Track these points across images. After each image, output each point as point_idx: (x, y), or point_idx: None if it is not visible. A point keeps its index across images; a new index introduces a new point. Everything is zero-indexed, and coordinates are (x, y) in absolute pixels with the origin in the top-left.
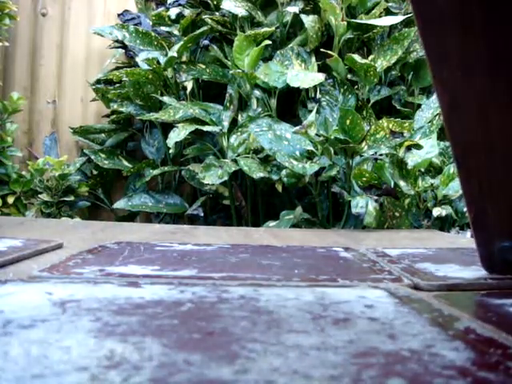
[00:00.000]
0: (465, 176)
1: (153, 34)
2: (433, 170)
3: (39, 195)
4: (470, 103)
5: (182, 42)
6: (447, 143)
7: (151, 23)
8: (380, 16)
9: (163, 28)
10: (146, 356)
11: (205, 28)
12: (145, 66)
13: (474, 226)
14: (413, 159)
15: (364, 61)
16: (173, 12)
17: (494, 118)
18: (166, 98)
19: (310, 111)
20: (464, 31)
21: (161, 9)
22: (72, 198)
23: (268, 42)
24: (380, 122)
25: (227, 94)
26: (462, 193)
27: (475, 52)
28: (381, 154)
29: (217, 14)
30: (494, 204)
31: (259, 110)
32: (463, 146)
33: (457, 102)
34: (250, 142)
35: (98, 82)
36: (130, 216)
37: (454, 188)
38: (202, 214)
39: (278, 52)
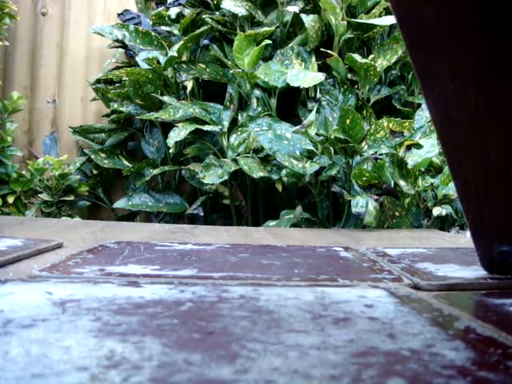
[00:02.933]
0: (462, 188)
1: (153, 33)
2: (433, 169)
3: (39, 195)
4: (463, 117)
5: (182, 42)
6: None
7: (151, 23)
8: (380, 15)
9: (163, 27)
10: (146, 356)
11: (205, 27)
12: (145, 66)
13: (472, 231)
14: (413, 159)
15: (364, 60)
16: (173, 11)
17: (489, 131)
18: (166, 98)
19: (310, 111)
20: (455, 45)
21: (161, 8)
22: (72, 198)
23: (268, 41)
24: (380, 121)
25: (227, 94)
26: (460, 201)
27: (467, 65)
28: (381, 154)
29: (217, 13)
30: (492, 211)
31: (259, 109)
32: (458, 159)
33: (450, 117)
34: (250, 141)
35: (98, 81)
36: (130, 215)
37: (454, 188)
38: (202, 214)
39: (278, 51)
